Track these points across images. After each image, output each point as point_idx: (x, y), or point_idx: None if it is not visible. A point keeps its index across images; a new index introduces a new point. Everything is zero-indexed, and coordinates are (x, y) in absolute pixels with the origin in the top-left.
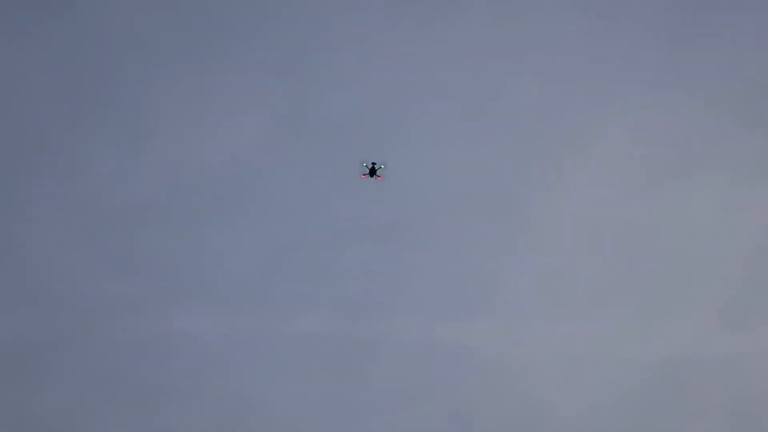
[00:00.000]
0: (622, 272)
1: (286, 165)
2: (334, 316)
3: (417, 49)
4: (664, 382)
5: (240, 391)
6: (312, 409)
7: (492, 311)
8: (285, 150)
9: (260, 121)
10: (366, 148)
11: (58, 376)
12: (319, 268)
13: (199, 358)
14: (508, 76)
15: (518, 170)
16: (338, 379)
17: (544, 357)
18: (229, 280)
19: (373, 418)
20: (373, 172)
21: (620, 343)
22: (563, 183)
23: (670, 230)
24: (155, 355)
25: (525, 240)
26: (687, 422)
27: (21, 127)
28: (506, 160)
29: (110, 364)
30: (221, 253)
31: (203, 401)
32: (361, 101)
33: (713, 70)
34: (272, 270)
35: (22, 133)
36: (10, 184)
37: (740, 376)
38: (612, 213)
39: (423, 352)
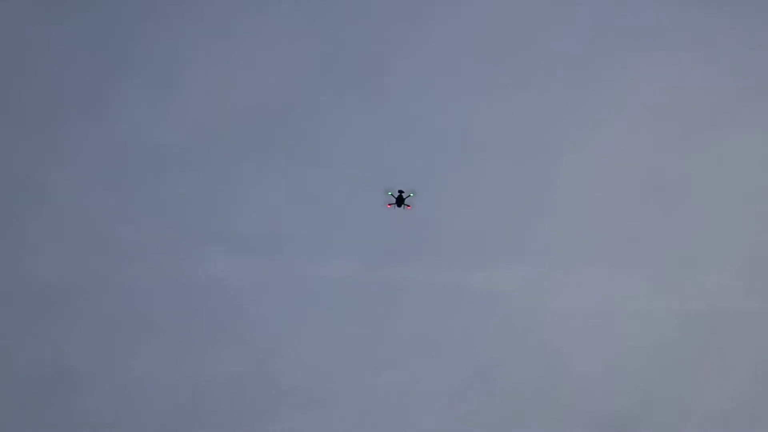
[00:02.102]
0: (652, 224)
1: (314, 110)
2: (361, 262)
3: None
4: (688, 335)
5: (266, 334)
6: (337, 353)
7: (518, 260)
8: (313, 95)
9: (290, 65)
10: (397, 93)
11: (89, 315)
12: (347, 214)
13: (227, 300)
14: (539, 26)
15: (549, 118)
16: (364, 324)
17: (569, 306)
18: (257, 225)
19: (398, 361)
20: (400, 201)
21: (646, 294)
22: (595, 131)
23: (702, 183)
24: (184, 296)
25: (554, 188)
26: (709, 375)
27: (56, 76)
28: (537, 108)
29: (140, 305)
30: (250, 198)
31: (230, 342)
32: (392, 44)
33: (753, 17)
34: (301, 215)
35: (57, 82)
36: (46, 130)
37: (765, 332)
38: (644, 164)
39: (448, 299)
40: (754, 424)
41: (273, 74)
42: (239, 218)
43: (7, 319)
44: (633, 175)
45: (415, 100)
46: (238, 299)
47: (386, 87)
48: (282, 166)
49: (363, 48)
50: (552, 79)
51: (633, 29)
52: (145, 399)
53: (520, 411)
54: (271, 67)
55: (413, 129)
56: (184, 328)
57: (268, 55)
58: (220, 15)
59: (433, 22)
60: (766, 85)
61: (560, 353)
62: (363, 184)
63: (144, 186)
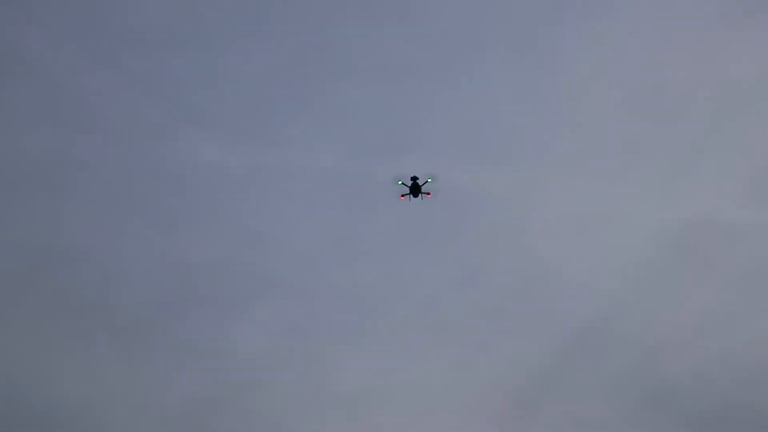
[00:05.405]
0: (651, 130)
1: None
2: (349, 154)
3: None
4: (677, 246)
5: (254, 222)
6: (323, 243)
7: (510, 161)
8: None
9: None
10: None
11: (80, 195)
12: (337, 105)
13: (217, 186)
14: None
15: (547, 14)
16: (351, 216)
17: (558, 211)
18: (249, 112)
19: (383, 255)
20: (416, 190)
21: (640, 203)
22: (596, 36)
23: (706, 91)
24: (174, 180)
25: (550, 89)
26: (693, 287)
27: None
28: (537, 9)
29: (130, 186)
30: (242, 84)
31: (219, 229)
32: None
33: None
34: (293, 105)
35: None
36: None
37: (755, 247)
38: (647, 66)
39: (437, 196)
40: (728, 333)
41: None
42: (228, 103)
43: None
44: (632, 82)
45: None
46: (228, 186)
47: None
48: (274, 50)
49: None
50: None
51: None
52: (134, 278)
53: (501, 310)
54: None
55: (409, 20)
56: (174, 211)
57: None
58: None
59: None
60: None
61: (546, 257)
62: (355, 75)
63: (133, 64)
